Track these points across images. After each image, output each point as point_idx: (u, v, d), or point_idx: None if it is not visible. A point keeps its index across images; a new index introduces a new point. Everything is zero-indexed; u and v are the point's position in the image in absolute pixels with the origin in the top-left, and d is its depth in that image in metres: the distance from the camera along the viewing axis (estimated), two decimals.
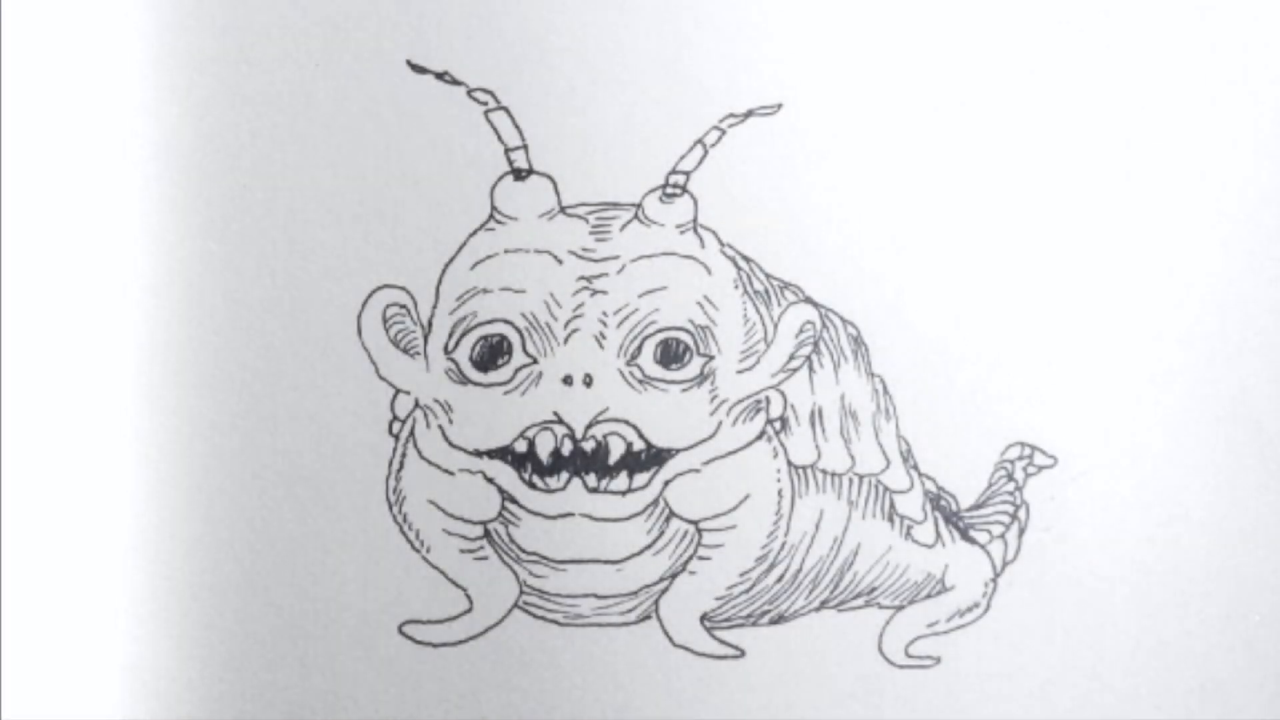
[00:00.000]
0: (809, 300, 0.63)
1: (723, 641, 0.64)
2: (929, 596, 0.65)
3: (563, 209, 0.62)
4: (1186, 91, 0.63)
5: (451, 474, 0.63)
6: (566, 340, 0.62)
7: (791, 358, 0.63)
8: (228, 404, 0.62)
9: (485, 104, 0.61)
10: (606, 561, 0.63)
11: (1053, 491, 0.64)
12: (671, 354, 0.62)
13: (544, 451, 0.62)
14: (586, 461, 0.62)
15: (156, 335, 0.62)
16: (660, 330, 0.62)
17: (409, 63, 0.61)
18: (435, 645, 0.63)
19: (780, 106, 0.62)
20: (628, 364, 0.62)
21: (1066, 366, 0.64)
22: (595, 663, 0.64)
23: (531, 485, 0.62)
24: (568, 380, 0.62)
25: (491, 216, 0.62)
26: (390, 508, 0.63)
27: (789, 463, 0.63)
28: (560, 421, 0.62)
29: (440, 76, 0.61)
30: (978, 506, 0.65)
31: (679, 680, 0.64)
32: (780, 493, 0.63)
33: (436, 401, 0.62)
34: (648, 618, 0.64)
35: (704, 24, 0.62)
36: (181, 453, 0.62)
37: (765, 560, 0.64)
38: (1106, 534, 0.65)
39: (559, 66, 0.61)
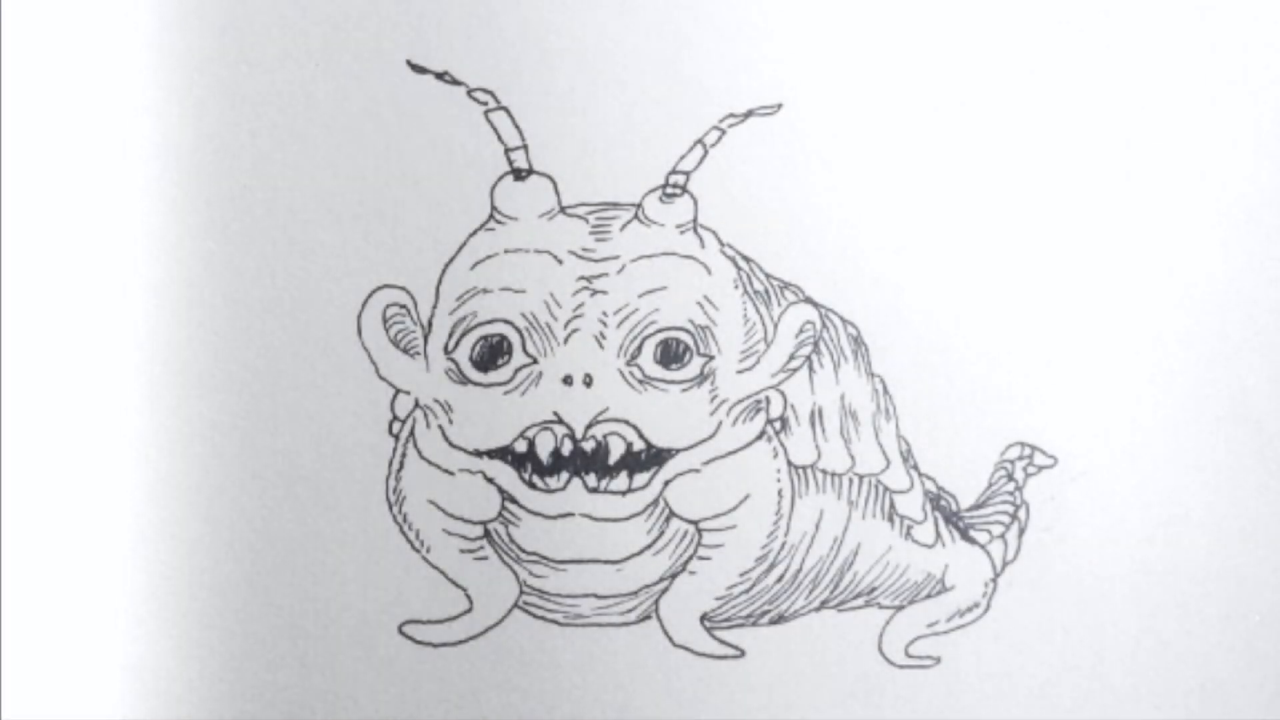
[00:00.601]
0: (809, 300, 0.63)
1: (723, 641, 0.64)
2: (929, 596, 0.65)
3: (563, 209, 0.62)
4: (1186, 91, 0.63)
5: (451, 474, 0.63)
6: (566, 340, 0.62)
7: (791, 358, 0.63)
8: (228, 404, 0.62)
9: (485, 104, 0.61)
10: (606, 561, 0.63)
11: (1053, 491, 0.64)
12: (671, 354, 0.62)
13: (544, 451, 0.62)
14: (586, 461, 0.62)
15: (156, 335, 0.62)
16: (660, 330, 0.62)
17: (409, 63, 0.61)
18: (435, 645, 0.63)
19: (780, 106, 0.62)
20: (628, 364, 0.62)
21: (1066, 366, 0.64)
22: (595, 663, 0.64)
23: (531, 485, 0.62)
24: (568, 380, 0.62)
25: (491, 216, 0.62)
26: (390, 508, 0.63)
27: (789, 463, 0.63)
28: (560, 421, 0.62)
29: (440, 76, 0.61)
30: (978, 506, 0.65)
31: (679, 680, 0.64)
32: (780, 493, 0.63)
33: (436, 401, 0.62)
34: (648, 618, 0.64)
35: (704, 24, 0.62)
36: (182, 453, 0.62)
37: (765, 560, 0.64)
38: (1106, 534, 0.65)
39: (559, 66, 0.61)
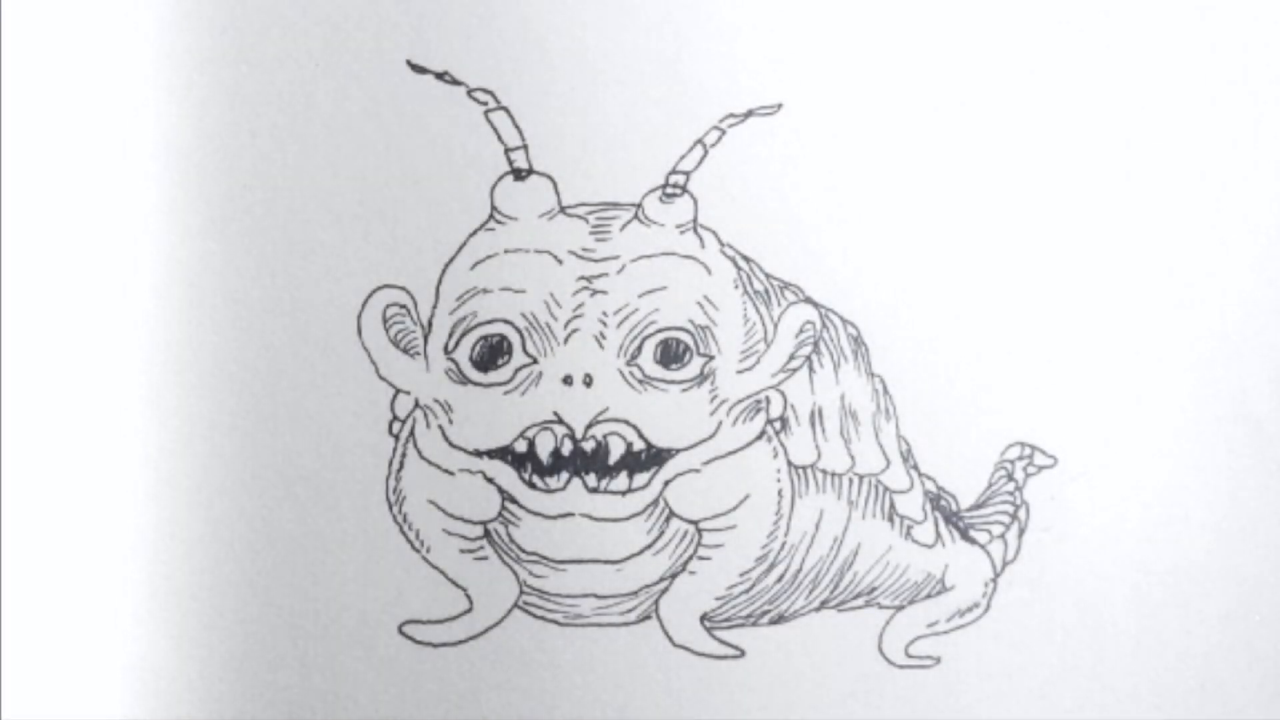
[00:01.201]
0: (809, 300, 0.63)
1: (723, 641, 0.64)
2: (929, 596, 0.65)
3: (563, 209, 0.62)
4: (1186, 91, 0.63)
5: (451, 474, 0.63)
6: (566, 340, 0.62)
7: (791, 358, 0.63)
8: (228, 404, 0.62)
9: (485, 104, 0.61)
10: (606, 561, 0.63)
11: (1053, 491, 0.64)
12: (671, 354, 0.62)
13: (544, 451, 0.62)
14: (586, 461, 0.62)
15: (156, 335, 0.62)
16: (660, 330, 0.62)
17: (409, 63, 0.61)
18: (435, 645, 0.63)
19: (780, 106, 0.62)
20: (628, 364, 0.62)
21: (1066, 366, 0.64)
22: (595, 663, 0.64)
23: (531, 485, 0.62)
24: (568, 380, 0.62)
25: (491, 216, 0.62)
26: (390, 508, 0.63)
27: (789, 463, 0.63)
28: (560, 421, 0.62)
29: (440, 76, 0.61)
30: (978, 506, 0.65)
31: (679, 680, 0.64)
32: (780, 493, 0.63)
33: (436, 401, 0.62)
34: (648, 618, 0.64)
35: (704, 24, 0.62)
36: (182, 453, 0.62)
37: (765, 560, 0.64)
38: (1106, 534, 0.65)
39: (559, 66, 0.61)
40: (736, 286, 0.63)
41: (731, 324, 0.63)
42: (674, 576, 0.64)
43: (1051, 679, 0.65)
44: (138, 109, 0.61)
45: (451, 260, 0.62)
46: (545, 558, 0.63)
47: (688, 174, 0.62)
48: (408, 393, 0.62)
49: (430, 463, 0.62)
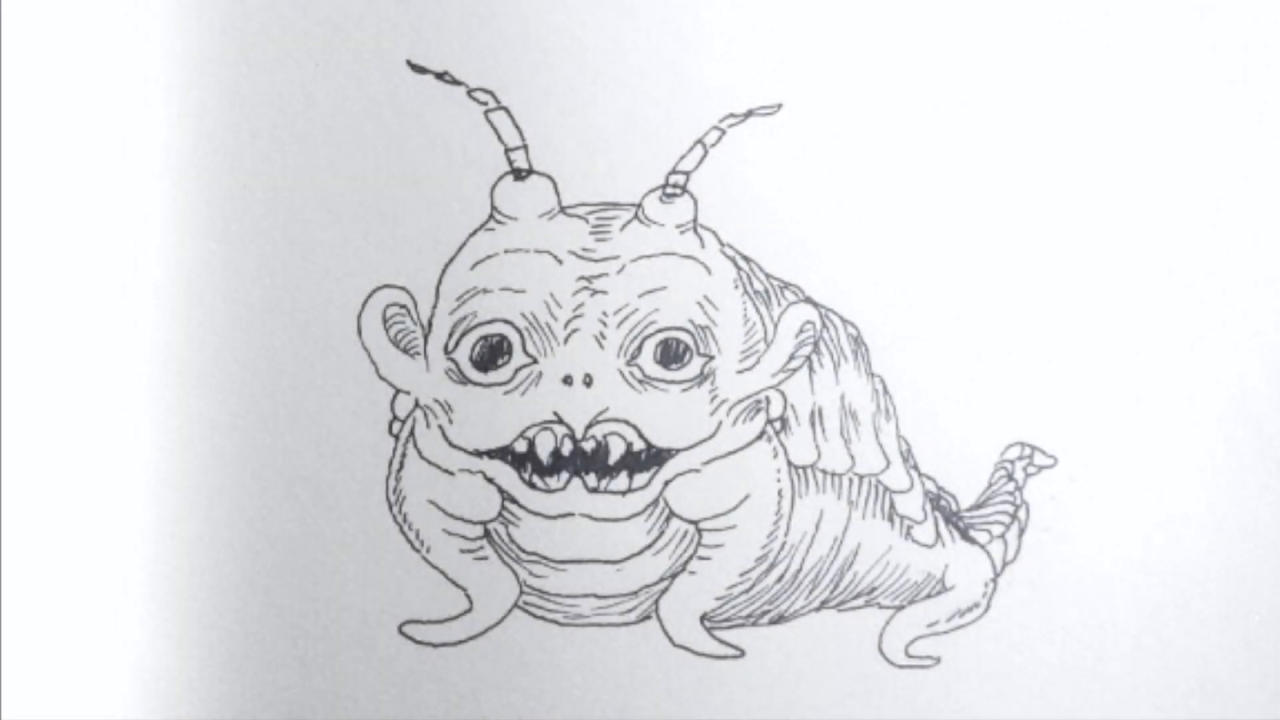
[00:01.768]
0: (809, 300, 0.63)
1: (723, 641, 0.64)
2: (929, 596, 0.65)
3: (563, 209, 0.62)
4: (1186, 91, 0.63)
5: (451, 474, 0.63)
6: (566, 340, 0.62)
7: (791, 358, 0.63)
8: (228, 404, 0.62)
9: (485, 104, 0.61)
10: (606, 561, 0.63)
11: (1053, 491, 0.64)
12: (671, 354, 0.62)
13: (544, 451, 0.62)
14: (586, 461, 0.62)
15: (156, 335, 0.62)
16: (660, 330, 0.62)
17: (409, 63, 0.61)
18: (435, 645, 0.63)
19: (780, 106, 0.62)
20: (628, 364, 0.62)
21: (1066, 366, 0.64)
22: (595, 663, 0.64)
23: (531, 485, 0.62)
24: (568, 380, 0.62)
25: (491, 216, 0.62)
26: (390, 508, 0.63)
27: (789, 463, 0.63)
28: (560, 421, 0.62)
29: (440, 76, 0.61)
30: (978, 506, 0.65)
31: (679, 680, 0.64)
32: (780, 493, 0.63)
33: (436, 401, 0.62)
34: (648, 618, 0.64)
35: (704, 24, 0.62)
36: (182, 453, 0.62)
37: (765, 560, 0.64)
38: (1106, 534, 0.65)
39: (559, 66, 0.61)
40: (736, 286, 0.63)
41: (731, 324, 0.63)
42: (674, 576, 0.64)
43: (1051, 679, 0.65)
44: (138, 109, 0.61)
45: (451, 260, 0.62)
46: (545, 558, 0.63)
47: (688, 174, 0.62)
48: (408, 393, 0.62)
49: (430, 463, 0.62)
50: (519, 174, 0.62)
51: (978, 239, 0.63)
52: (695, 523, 0.63)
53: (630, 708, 0.64)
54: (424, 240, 0.62)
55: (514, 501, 0.62)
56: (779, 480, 0.63)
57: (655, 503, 0.63)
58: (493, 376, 0.62)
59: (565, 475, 0.62)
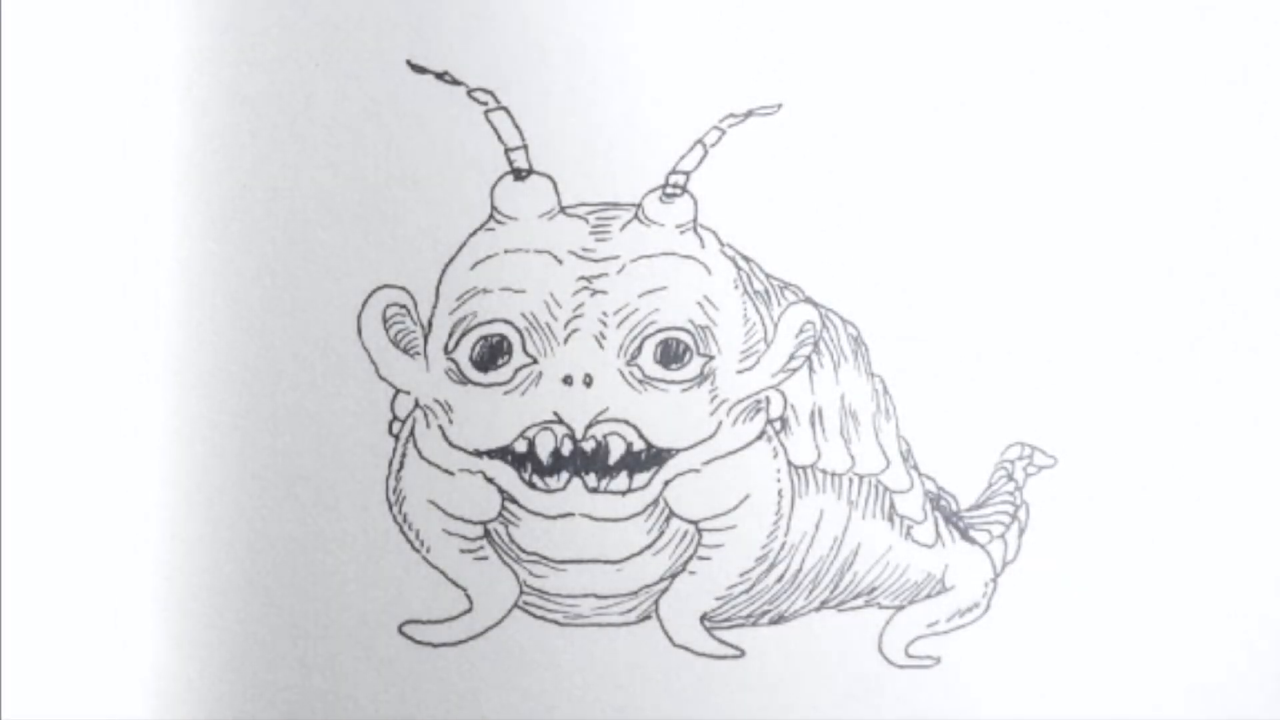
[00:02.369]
0: (809, 300, 0.63)
1: (723, 641, 0.64)
2: (929, 596, 0.65)
3: (563, 209, 0.62)
4: (1186, 92, 0.63)
5: (451, 474, 0.63)
6: (566, 340, 0.62)
7: (791, 358, 0.63)
8: (228, 404, 0.62)
9: (485, 104, 0.61)
10: (606, 561, 0.63)
11: (1053, 491, 0.64)
12: (671, 354, 0.62)
13: (544, 451, 0.62)
14: (586, 461, 0.62)
15: (156, 335, 0.62)
16: (660, 330, 0.62)
17: (409, 63, 0.61)
18: (435, 645, 0.63)
19: (780, 106, 0.62)
20: (628, 364, 0.62)
21: (1066, 366, 0.64)
22: (595, 663, 0.64)
23: (531, 485, 0.62)
24: (568, 380, 0.62)
25: (491, 216, 0.62)
26: (390, 508, 0.63)
27: (789, 463, 0.63)
28: (560, 421, 0.62)
29: (440, 76, 0.61)
30: (978, 506, 0.65)
31: (679, 680, 0.64)
32: (780, 493, 0.63)
33: (436, 401, 0.62)
34: (648, 618, 0.64)
35: (704, 24, 0.62)
36: (182, 453, 0.62)
37: (765, 560, 0.64)
38: (1106, 534, 0.65)
39: (559, 66, 0.61)
40: (736, 286, 0.63)
41: (731, 324, 0.63)
42: (674, 576, 0.64)
43: (1051, 679, 0.65)
44: (138, 109, 0.61)
45: (451, 260, 0.62)
46: (545, 558, 0.63)
47: (688, 174, 0.62)
48: (408, 393, 0.62)
49: (430, 463, 0.63)
50: (519, 174, 0.62)
51: (978, 239, 0.63)
52: (695, 523, 0.63)
53: (630, 708, 0.64)
54: (424, 240, 0.62)
55: (514, 501, 0.62)
56: (779, 480, 0.63)
57: (655, 503, 0.63)
58: (493, 376, 0.62)
59: (565, 475, 0.62)
